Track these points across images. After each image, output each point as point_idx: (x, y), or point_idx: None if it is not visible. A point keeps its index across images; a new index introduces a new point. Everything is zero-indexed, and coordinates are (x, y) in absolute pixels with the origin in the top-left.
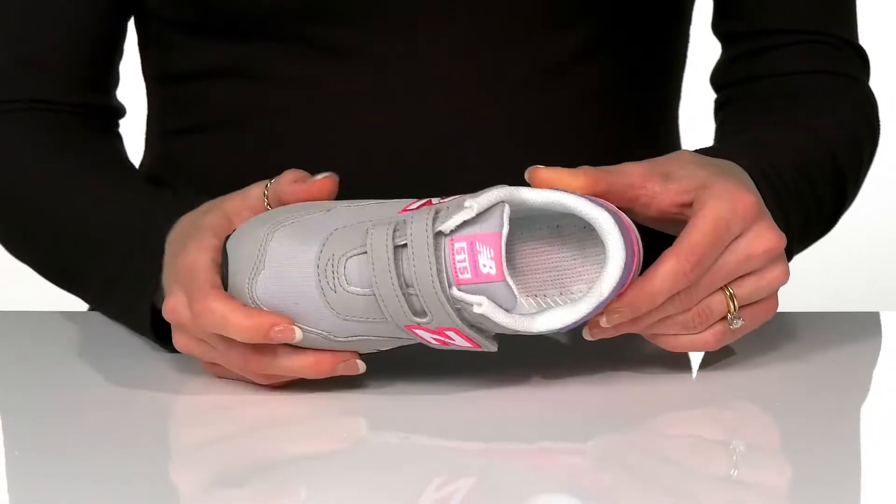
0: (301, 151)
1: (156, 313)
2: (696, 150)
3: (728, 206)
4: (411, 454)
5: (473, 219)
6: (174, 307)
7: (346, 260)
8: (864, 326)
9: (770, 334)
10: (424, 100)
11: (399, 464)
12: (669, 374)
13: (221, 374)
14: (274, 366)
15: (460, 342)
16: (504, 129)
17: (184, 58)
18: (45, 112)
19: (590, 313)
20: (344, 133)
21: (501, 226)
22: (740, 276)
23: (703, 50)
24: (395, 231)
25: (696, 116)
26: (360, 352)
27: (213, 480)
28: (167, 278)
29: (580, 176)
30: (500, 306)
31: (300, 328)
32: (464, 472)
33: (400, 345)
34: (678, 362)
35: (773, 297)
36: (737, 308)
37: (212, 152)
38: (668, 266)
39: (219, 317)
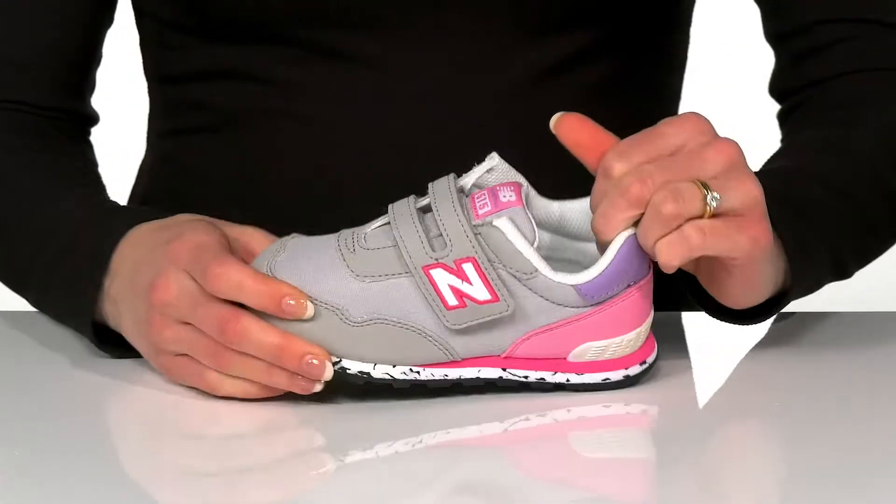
0: (299, 154)
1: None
2: None
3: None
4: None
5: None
6: (165, 283)
7: (366, 232)
8: (865, 327)
9: (772, 334)
10: (423, 102)
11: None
12: (667, 372)
13: (176, 373)
14: (246, 339)
15: (478, 288)
16: (503, 132)
17: (183, 59)
18: (20, 114)
19: (598, 276)
20: (342, 136)
21: (522, 181)
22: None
23: (703, 52)
24: (416, 198)
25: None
26: (366, 361)
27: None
28: (128, 273)
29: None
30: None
31: (314, 303)
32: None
33: (416, 355)
34: (681, 360)
35: (752, 212)
36: (711, 189)
37: (211, 154)
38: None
39: (234, 280)
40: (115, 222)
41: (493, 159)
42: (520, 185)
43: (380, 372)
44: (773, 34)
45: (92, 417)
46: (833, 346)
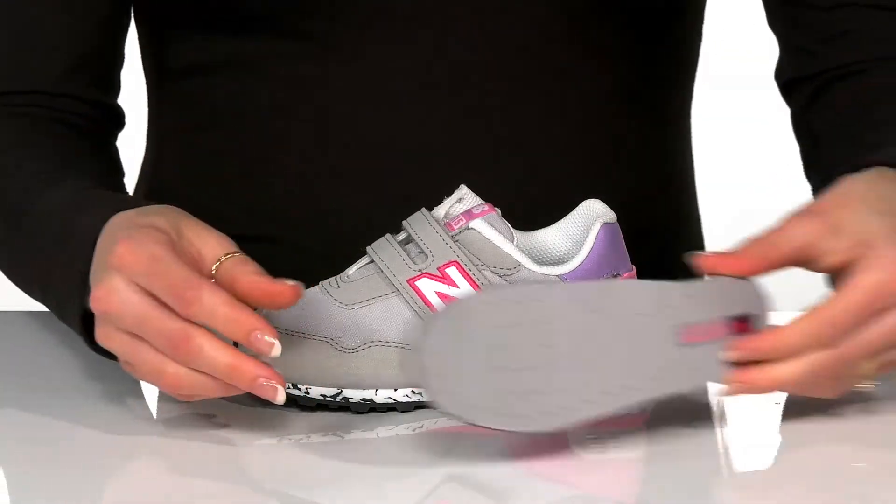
0: (300, 150)
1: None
2: (858, 160)
3: (888, 279)
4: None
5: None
6: (105, 293)
7: (348, 273)
8: None
9: None
10: (427, 99)
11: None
12: None
13: (135, 373)
14: (200, 357)
15: (465, 290)
16: (509, 130)
17: (183, 53)
18: (39, 108)
19: (581, 263)
20: (345, 132)
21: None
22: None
23: (712, 50)
24: (392, 235)
25: (706, 117)
26: (366, 390)
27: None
28: (96, 270)
29: (744, 260)
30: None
31: (306, 338)
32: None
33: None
34: None
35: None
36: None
37: (211, 150)
38: (802, 324)
39: (208, 306)
40: (93, 212)
41: (462, 190)
42: (493, 207)
43: (382, 397)
44: (789, 18)
45: (89, 417)
46: None
